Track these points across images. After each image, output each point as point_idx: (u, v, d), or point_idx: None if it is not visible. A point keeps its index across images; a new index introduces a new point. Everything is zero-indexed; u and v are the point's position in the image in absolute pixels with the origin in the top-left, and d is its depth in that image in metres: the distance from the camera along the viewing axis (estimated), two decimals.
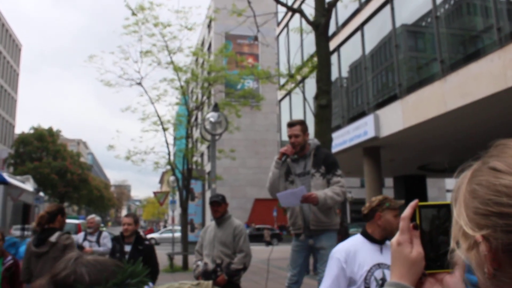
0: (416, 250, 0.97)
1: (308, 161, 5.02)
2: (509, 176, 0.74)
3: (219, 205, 5.63)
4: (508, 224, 0.71)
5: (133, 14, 15.50)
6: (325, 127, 6.85)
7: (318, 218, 4.85)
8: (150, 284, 5.09)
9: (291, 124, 5.08)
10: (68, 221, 22.08)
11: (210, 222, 6.06)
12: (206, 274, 5.50)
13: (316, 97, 7.42)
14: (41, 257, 4.98)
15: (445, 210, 0.97)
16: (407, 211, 0.99)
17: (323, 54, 7.49)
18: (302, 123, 5.10)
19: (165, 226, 64.66)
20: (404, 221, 0.99)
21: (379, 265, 3.09)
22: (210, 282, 4.95)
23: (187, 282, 4.94)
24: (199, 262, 5.71)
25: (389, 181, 26.51)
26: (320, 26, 7.59)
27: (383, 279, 3.05)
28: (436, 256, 0.97)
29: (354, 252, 3.16)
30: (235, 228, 5.63)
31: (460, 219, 0.79)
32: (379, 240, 3.20)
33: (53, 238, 5.06)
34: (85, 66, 21.66)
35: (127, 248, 5.67)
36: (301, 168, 5.05)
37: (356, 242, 3.27)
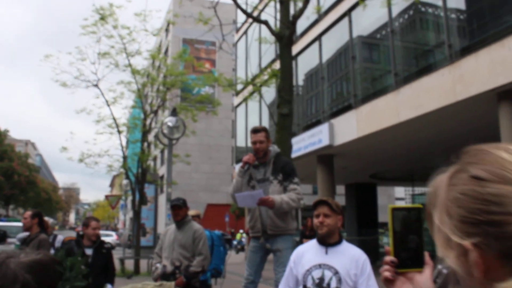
0: None
1: (268, 168, 5.16)
2: (494, 184, 0.76)
3: (180, 209, 5.72)
4: (501, 231, 0.73)
5: (101, 19, 15.14)
6: (286, 135, 7.04)
7: (275, 223, 5.00)
8: (109, 285, 5.12)
9: (256, 131, 5.21)
10: (15, 224, 21.47)
11: (170, 226, 6.12)
12: (164, 276, 5.56)
13: (278, 106, 7.60)
14: None
15: (415, 212, 1.05)
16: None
17: (286, 65, 7.68)
18: (266, 130, 5.26)
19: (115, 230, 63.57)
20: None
21: (320, 265, 3.34)
22: (173, 283, 5.02)
23: (150, 283, 4.98)
24: (158, 264, 5.77)
25: (340, 188, 26.90)
26: (285, 38, 7.79)
27: (321, 279, 3.30)
28: (407, 256, 1.03)
29: (302, 253, 3.48)
30: (195, 231, 5.73)
31: (444, 227, 0.81)
32: (323, 241, 3.44)
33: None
34: (39, 65, 21.12)
35: (88, 251, 5.64)
36: (261, 175, 5.19)
37: (309, 245, 3.57)
